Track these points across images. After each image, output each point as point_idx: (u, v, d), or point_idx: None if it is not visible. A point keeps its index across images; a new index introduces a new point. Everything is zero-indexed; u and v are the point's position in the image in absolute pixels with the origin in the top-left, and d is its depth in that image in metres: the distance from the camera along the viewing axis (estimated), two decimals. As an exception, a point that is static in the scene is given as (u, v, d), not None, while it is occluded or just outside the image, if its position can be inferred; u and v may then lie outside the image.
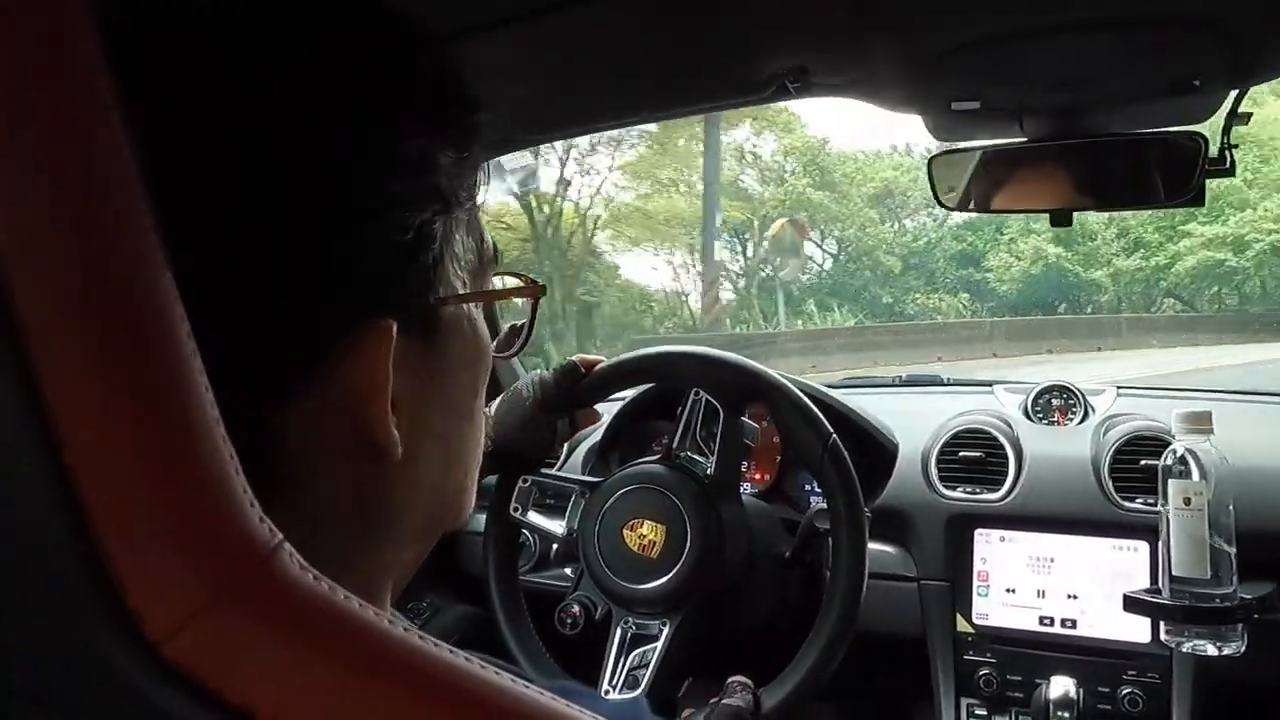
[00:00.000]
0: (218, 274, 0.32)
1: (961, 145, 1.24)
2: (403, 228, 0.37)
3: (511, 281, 0.49)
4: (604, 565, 1.20)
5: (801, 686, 1.12)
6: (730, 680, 1.15)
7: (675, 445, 1.25)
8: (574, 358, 1.25)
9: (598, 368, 1.27)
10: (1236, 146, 1.09)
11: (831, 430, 1.19)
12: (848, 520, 1.16)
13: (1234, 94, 1.08)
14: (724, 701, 1.11)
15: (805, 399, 1.20)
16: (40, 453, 0.25)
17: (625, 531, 1.19)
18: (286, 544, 0.28)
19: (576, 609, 1.23)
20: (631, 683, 1.18)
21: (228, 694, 0.26)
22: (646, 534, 1.17)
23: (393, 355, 0.37)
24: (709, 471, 1.22)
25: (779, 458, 1.58)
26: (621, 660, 1.20)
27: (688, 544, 1.16)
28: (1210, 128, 1.10)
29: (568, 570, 1.53)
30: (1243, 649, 1.18)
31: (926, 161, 1.25)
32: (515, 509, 1.28)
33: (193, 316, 0.28)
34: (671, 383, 1.37)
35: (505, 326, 0.55)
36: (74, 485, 0.25)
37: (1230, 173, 1.09)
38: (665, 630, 1.18)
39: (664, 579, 1.16)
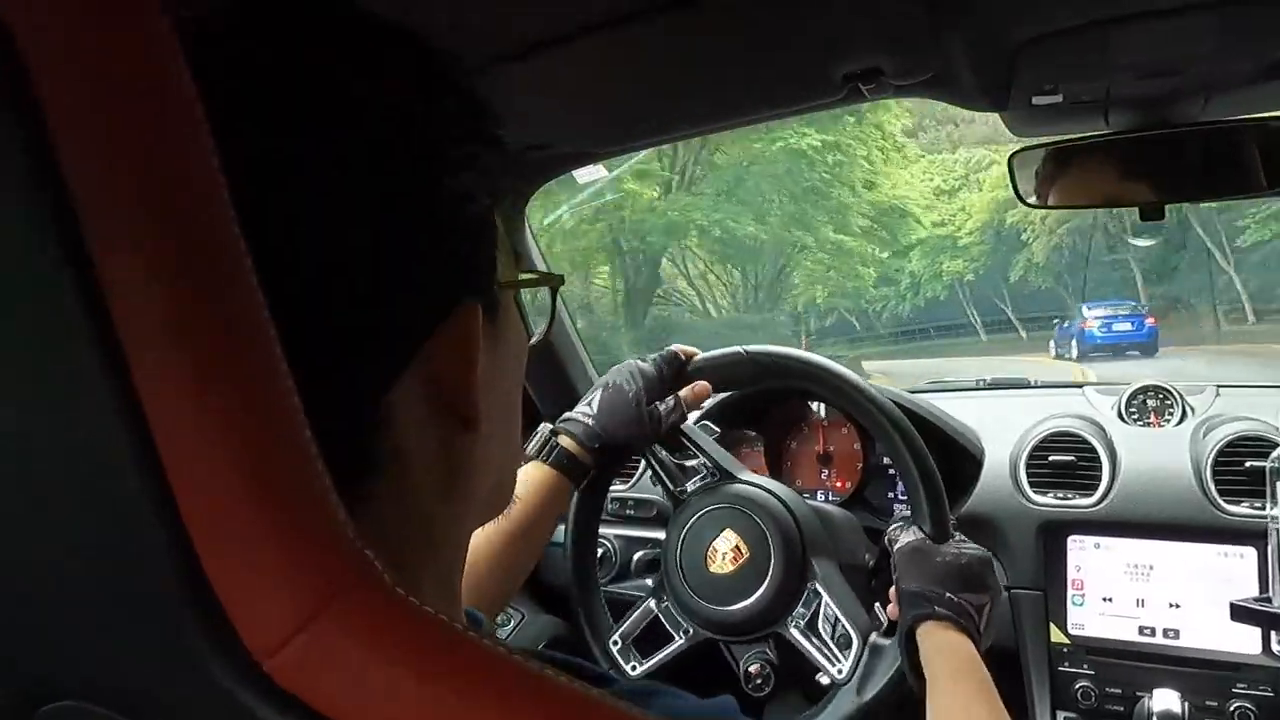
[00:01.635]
0: (324, 282, 0.34)
1: (1043, 140, 1.20)
2: (472, 217, 0.40)
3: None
4: (688, 587, 1.18)
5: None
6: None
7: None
8: (673, 347, 1.23)
9: (701, 357, 1.25)
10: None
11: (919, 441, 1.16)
12: (931, 519, 1.12)
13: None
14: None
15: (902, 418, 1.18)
16: (143, 472, 0.26)
17: (709, 551, 1.18)
18: (377, 564, 0.29)
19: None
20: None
21: (327, 709, 0.27)
22: (729, 556, 1.16)
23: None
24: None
25: (860, 465, 1.56)
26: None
27: (770, 569, 1.14)
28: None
29: (648, 581, 1.53)
30: None
31: (1008, 158, 1.22)
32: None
33: (304, 323, 0.30)
34: (780, 383, 1.33)
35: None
36: (175, 504, 0.26)
37: None
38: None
39: (749, 600, 1.15)
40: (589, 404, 1.15)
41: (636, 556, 1.56)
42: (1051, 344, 18.20)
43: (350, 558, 0.28)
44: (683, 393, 1.18)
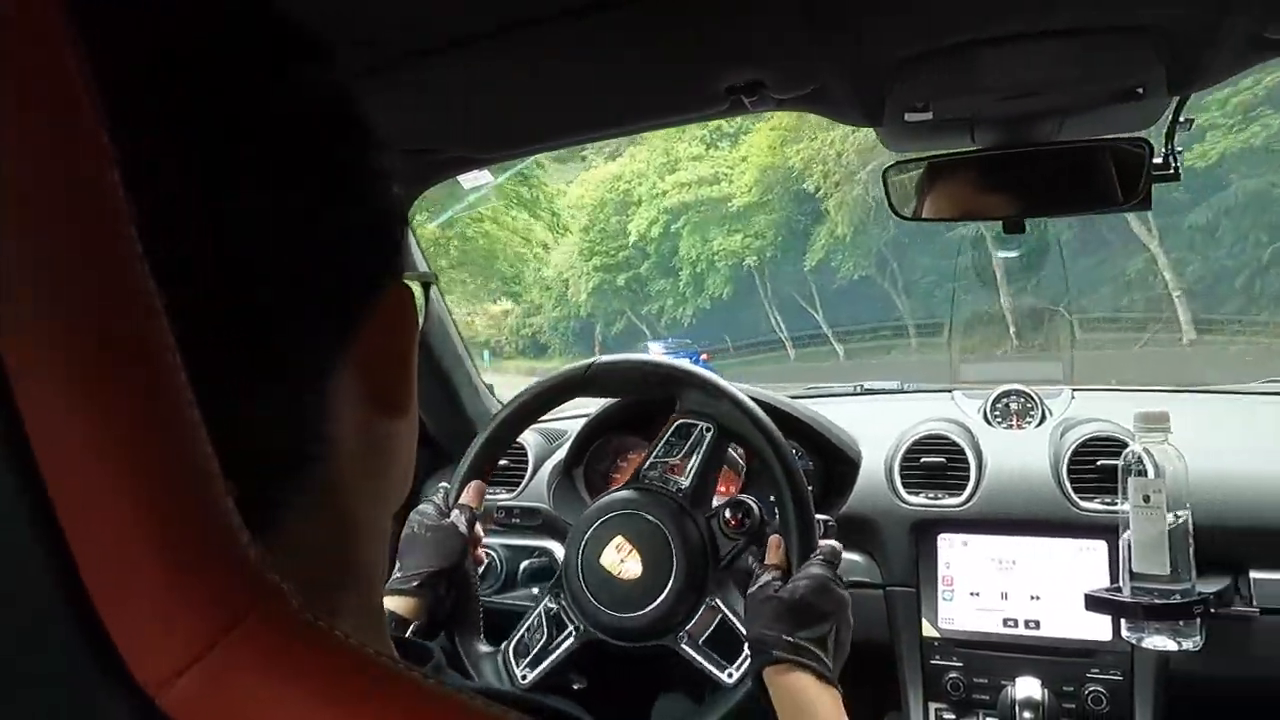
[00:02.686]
0: (256, 264, 0.33)
1: (915, 156, 1.25)
2: (385, 198, 0.40)
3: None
4: (590, 597, 1.16)
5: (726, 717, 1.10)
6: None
7: (645, 467, 1.23)
8: (445, 487, 1.22)
9: (601, 363, 1.25)
10: (1181, 152, 1.12)
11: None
12: (796, 523, 1.13)
13: (1175, 101, 1.11)
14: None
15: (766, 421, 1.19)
16: (25, 496, 0.24)
17: (605, 560, 1.16)
18: (284, 586, 0.27)
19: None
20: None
21: None
22: (626, 561, 1.15)
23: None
24: (683, 486, 1.20)
25: (743, 469, 1.59)
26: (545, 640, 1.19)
27: (674, 565, 1.14)
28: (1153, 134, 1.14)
29: (535, 590, 1.52)
30: (1201, 644, 1.21)
31: (882, 172, 1.27)
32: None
33: (240, 309, 0.29)
34: (662, 393, 1.34)
35: None
36: (60, 531, 0.24)
37: (1176, 177, 1.12)
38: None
39: (647, 608, 1.13)
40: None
41: (523, 566, 1.54)
42: None
43: (252, 581, 0.26)
44: (465, 498, 1.18)
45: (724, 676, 1.11)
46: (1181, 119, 1.12)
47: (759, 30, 0.96)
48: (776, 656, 0.98)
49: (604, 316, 23.42)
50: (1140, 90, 1.06)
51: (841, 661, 1.02)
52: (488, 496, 1.26)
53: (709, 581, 1.15)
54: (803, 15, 0.92)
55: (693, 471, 1.19)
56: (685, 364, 1.25)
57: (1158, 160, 1.12)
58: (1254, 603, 1.29)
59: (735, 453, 1.54)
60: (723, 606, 1.14)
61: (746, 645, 1.06)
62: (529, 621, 1.21)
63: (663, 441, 1.22)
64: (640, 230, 22.04)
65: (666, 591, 1.13)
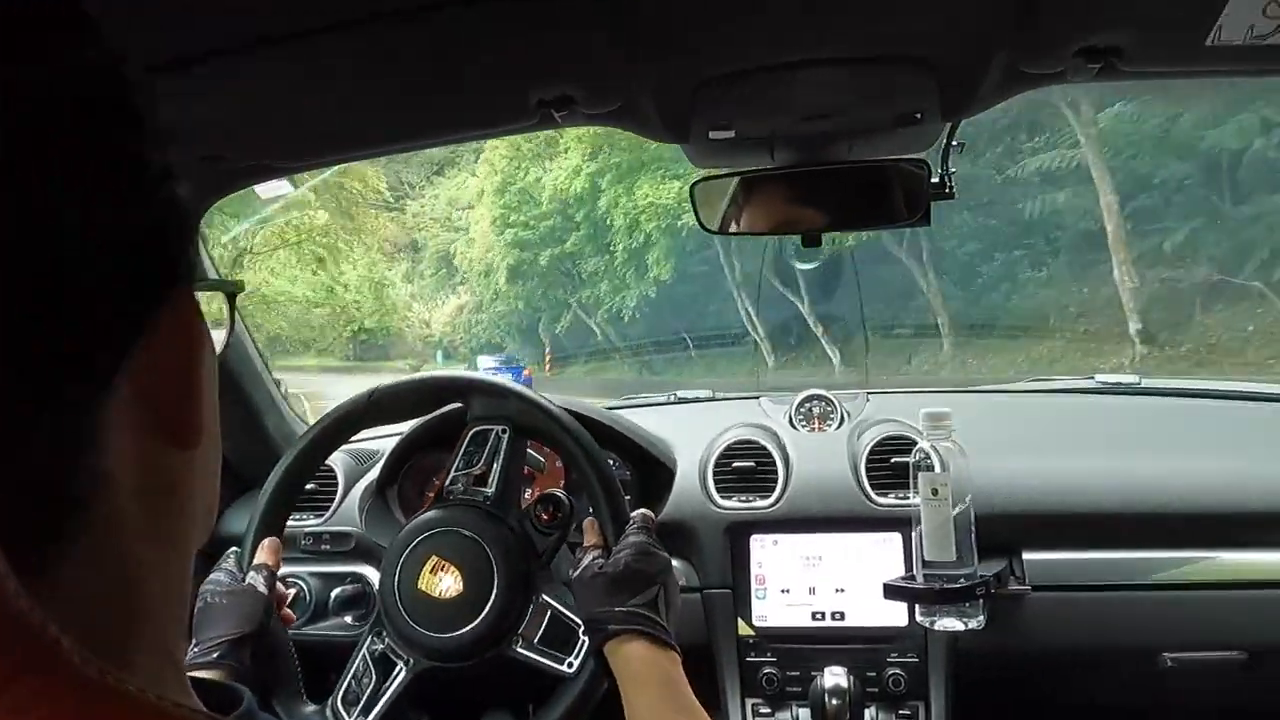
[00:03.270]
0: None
1: (720, 172, 1.30)
2: (169, 200, 0.36)
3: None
4: (414, 625, 1.12)
5: (575, 704, 1.10)
6: None
7: (449, 483, 1.21)
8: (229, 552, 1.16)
9: (383, 387, 1.23)
10: (954, 173, 1.22)
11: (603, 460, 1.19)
12: (608, 505, 1.15)
13: (949, 126, 1.21)
14: None
15: (578, 426, 1.20)
16: None
17: (424, 584, 1.13)
18: (62, 640, 0.25)
19: None
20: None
21: None
22: (445, 580, 1.12)
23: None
24: (489, 493, 1.18)
25: (563, 480, 1.59)
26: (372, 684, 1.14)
27: (494, 574, 1.12)
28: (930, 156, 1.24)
29: (348, 618, 1.46)
30: (984, 622, 1.32)
31: (689, 187, 1.31)
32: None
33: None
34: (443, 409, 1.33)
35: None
36: None
37: (950, 196, 1.23)
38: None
39: (475, 623, 1.11)
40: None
41: (335, 594, 1.47)
42: None
43: (23, 636, 0.24)
44: (260, 557, 1.13)
45: (564, 668, 1.11)
46: (955, 142, 1.22)
47: (567, 47, 0.97)
48: (612, 630, 0.99)
49: (548, 309, 19.80)
50: (919, 115, 1.15)
51: (675, 620, 1.04)
52: (293, 523, 1.20)
53: (534, 581, 1.14)
54: (610, 34, 0.94)
55: (496, 477, 1.19)
56: (466, 373, 1.25)
57: (936, 180, 1.22)
58: (1026, 581, 1.43)
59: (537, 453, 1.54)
60: (552, 602, 1.13)
61: (582, 629, 1.07)
62: (354, 667, 1.15)
63: (460, 453, 1.21)
64: (559, 187, 17.33)
65: (491, 602, 1.11)
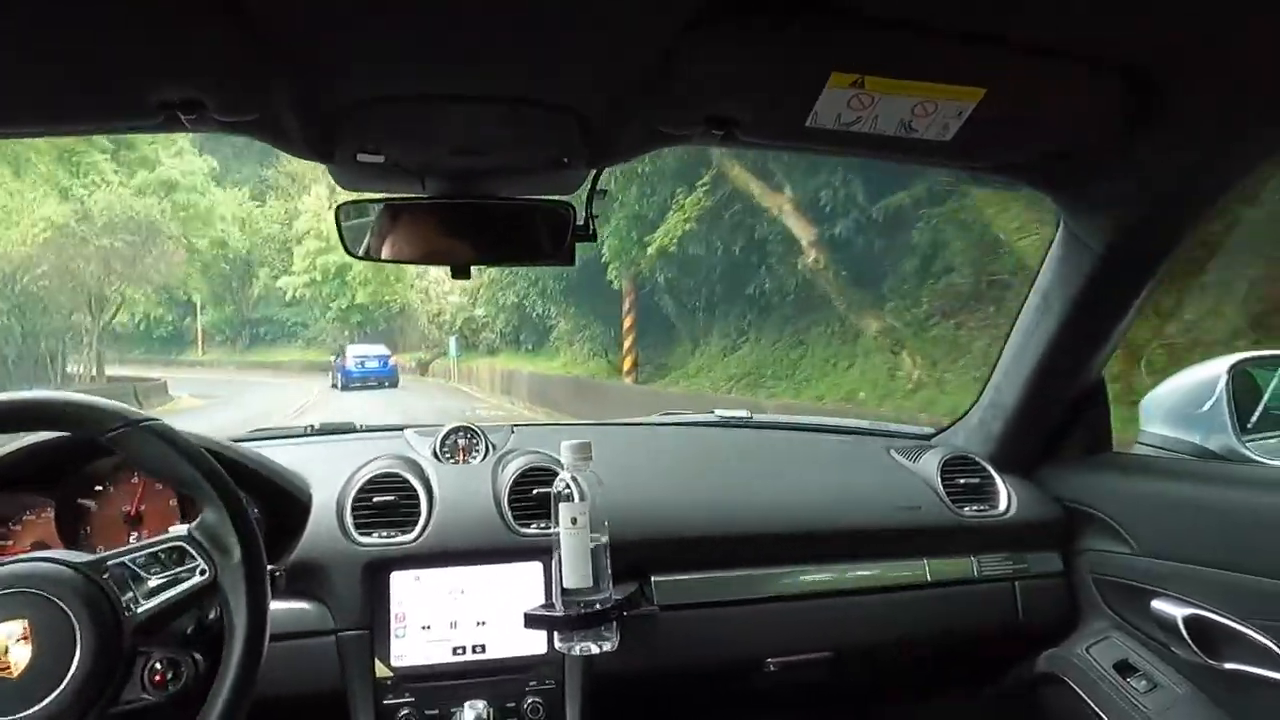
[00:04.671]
0: None
1: (368, 196, 1.27)
2: None
3: None
4: None
5: None
6: None
7: (119, 558, 1.02)
8: None
9: None
10: (596, 217, 1.30)
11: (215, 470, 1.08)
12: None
13: (594, 173, 1.29)
14: None
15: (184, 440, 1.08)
16: None
17: None
18: None
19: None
20: None
21: None
22: (12, 652, 0.93)
23: None
24: (137, 609, 1.00)
25: (178, 523, 1.43)
26: None
27: (76, 656, 0.94)
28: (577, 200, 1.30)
29: None
30: (617, 644, 1.39)
31: (334, 209, 1.26)
32: None
33: None
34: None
35: None
36: None
37: (593, 239, 1.29)
38: None
39: (53, 695, 0.92)
40: None
41: None
42: (331, 374, 25.87)
43: None
44: None
45: None
46: (599, 189, 1.30)
47: (195, 45, 0.90)
48: None
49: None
50: (566, 160, 1.21)
51: None
52: None
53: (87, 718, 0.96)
54: (242, 41, 0.88)
55: (157, 601, 1.02)
56: (229, 484, 1.08)
57: (581, 222, 1.28)
58: (655, 601, 1.53)
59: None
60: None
61: None
62: None
63: (149, 549, 1.05)
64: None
65: (38, 709, 0.92)
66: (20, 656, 0.93)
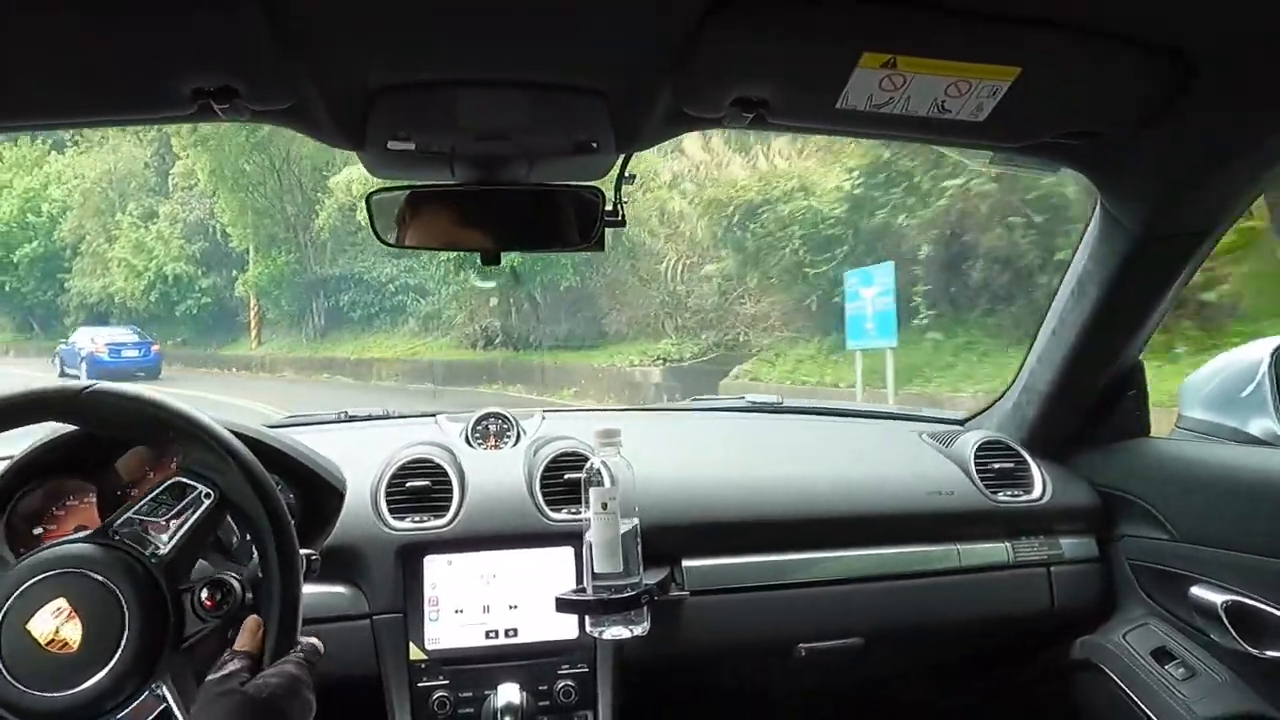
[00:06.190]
0: None
1: (399, 183, 1.28)
2: None
3: None
4: (3, 670, 0.93)
5: None
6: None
7: (119, 520, 1.03)
8: None
9: None
10: (627, 202, 1.29)
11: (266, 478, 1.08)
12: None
13: (622, 158, 1.28)
14: None
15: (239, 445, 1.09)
16: None
17: (36, 626, 0.94)
18: None
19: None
20: None
21: None
22: (63, 629, 0.94)
23: None
24: (160, 551, 1.01)
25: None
26: None
27: (125, 616, 0.96)
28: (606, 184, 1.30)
29: None
30: (648, 628, 1.39)
31: (364, 197, 1.27)
32: None
33: None
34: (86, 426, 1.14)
35: None
36: None
37: (622, 224, 1.29)
38: None
39: (83, 685, 0.94)
40: None
41: None
42: (57, 362, 18.91)
43: None
44: None
45: None
46: (627, 174, 1.29)
47: (228, 34, 0.91)
48: None
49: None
50: (594, 145, 1.20)
51: None
52: None
53: (160, 664, 0.98)
54: (273, 28, 0.89)
55: (177, 538, 1.02)
56: (195, 414, 1.06)
57: (610, 208, 1.28)
58: (685, 587, 1.53)
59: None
60: (169, 696, 0.98)
61: None
62: None
63: (149, 496, 1.04)
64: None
65: (106, 671, 0.94)
66: (72, 633, 0.95)
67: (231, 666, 0.95)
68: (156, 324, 20.84)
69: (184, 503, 1.05)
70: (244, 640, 0.99)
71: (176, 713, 0.98)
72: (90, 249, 21.94)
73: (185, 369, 19.45)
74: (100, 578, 0.98)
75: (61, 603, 0.96)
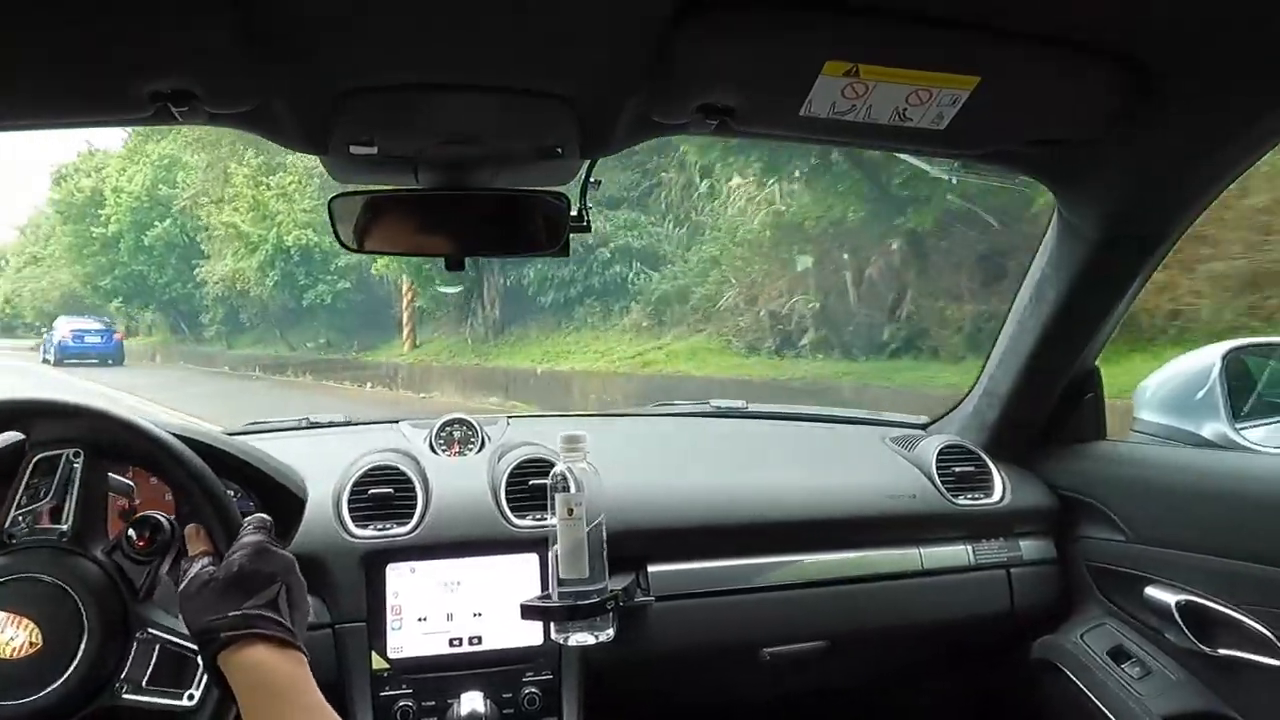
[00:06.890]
0: None
1: (361, 188, 1.26)
2: None
3: None
4: None
5: None
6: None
7: (8, 524, 1.02)
8: None
9: None
10: (592, 208, 1.29)
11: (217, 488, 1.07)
12: (214, 509, 1.05)
13: (587, 164, 1.28)
14: None
15: (184, 449, 1.07)
16: None
17: None
18: None
19: None
20: None
21: None
22: (17, 636, 0.94)
23: None
24: (64, 527, 1.02)
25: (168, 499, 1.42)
26: None
27: (84, 620, 0.96)
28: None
29: None
30: (613, 635, 1.39)
31: (327, 202, 1.25)
32: None
33: None
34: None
35: None
36: None
37: (587, 229, 1.29)
38: None
39: (61, 680, 0.94)
40: None
41: None
42: (40, 349, 22.35)
43: None
44: None
45: (185, 702, 0.98)
46: (592, 179, 1.29)
47: (187, 34, 0.89)
48: (224, 639, 0.88)
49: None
50: (559, 150, 1.20)
51: (303, 622, 0.96)
52: None
53: (132, 617, 1.00)
54: (236, 30, 0.88)
55: (72, 510, 1.02)
56: (26, 395, 1.05)
57: (575, 213, 1.28)
58: (651, 592, 1.53)
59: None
60: (159, 633, 1.00)
61: (195, 645, 0.95)
62: None
63: (22, 488, 1.03)
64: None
65: (81, 653, 0.95)
66: (27, 635, 0.94)
67: (195, 568, 0.97)
68: (292, 320, 16.70)
69: (57, 477, 1.04)
70: (194, 545, 1.01)
71: (173, 640, 1.01)
72: (209, 220, 17.41)
73: (314, 380, 14.42)
74: (26, 576, 0.97)
75: (2, 615, 0.95)
